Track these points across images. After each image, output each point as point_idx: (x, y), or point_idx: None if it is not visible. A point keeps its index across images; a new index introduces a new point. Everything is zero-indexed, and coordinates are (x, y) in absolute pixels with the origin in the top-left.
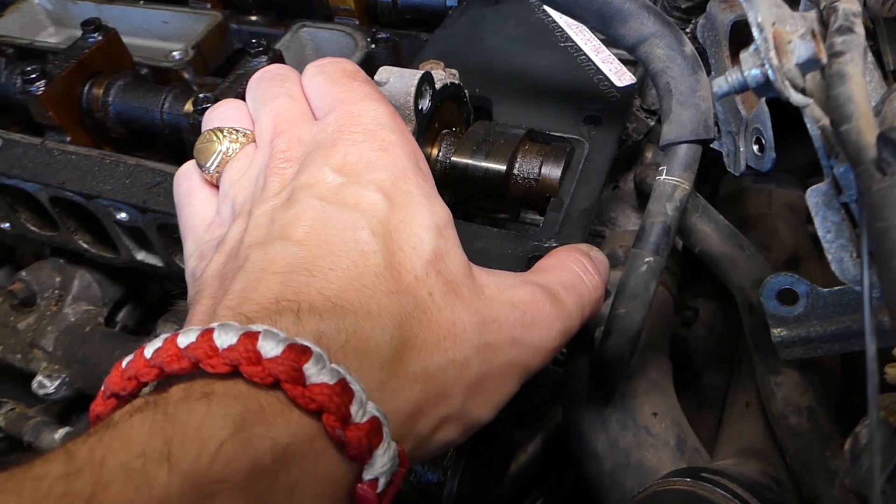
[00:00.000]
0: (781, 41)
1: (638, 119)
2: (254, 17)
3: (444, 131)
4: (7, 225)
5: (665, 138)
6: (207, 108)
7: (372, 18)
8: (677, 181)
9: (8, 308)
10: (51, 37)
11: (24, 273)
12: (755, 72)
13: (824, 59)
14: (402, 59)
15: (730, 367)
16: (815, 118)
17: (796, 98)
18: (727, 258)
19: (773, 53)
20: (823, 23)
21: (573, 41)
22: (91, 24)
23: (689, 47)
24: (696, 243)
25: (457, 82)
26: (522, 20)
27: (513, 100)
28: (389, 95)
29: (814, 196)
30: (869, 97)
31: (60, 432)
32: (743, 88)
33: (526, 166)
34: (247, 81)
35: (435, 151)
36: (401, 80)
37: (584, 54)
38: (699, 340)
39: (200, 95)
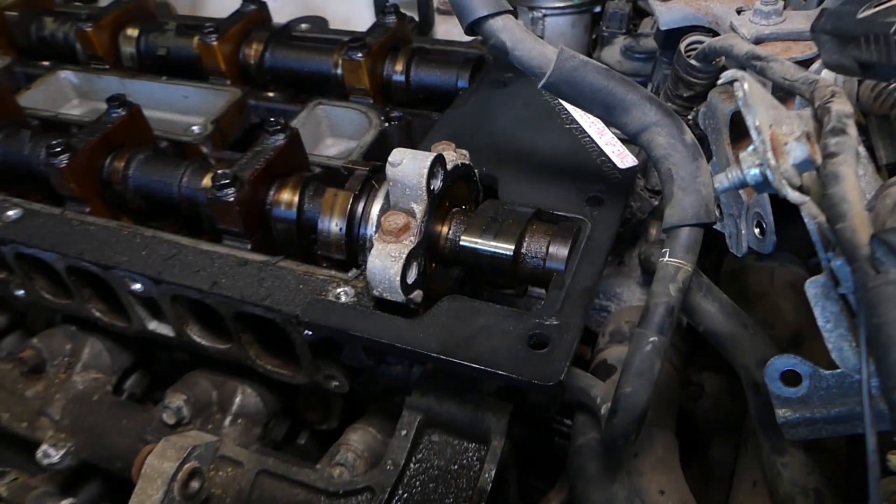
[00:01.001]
0: (778, 143)
1: (642, 198)
2: (271, 94)
3: (454, 210)
4: (22, 292)
5: (667, 222)
6: (226, 183)
7: (385, 97)
8: (680, 263)
9: (17, 375)
10: (75, 108)
11: (35, 340)
12: (754, 171)
13: (819, 160)
14: (413, 137)
15: (736, 439)
16: (811, 215)
17: (793, 196)
18: (731, 337)
19: (770, 154)
20: (818, 120)
21: (578, 123)
22: (116, 100)
23: (689, 136)
24: (700, 322)
25: (467, 163)
26: (530, 102)
27: (519, 179)
28: (403, 176)
29: (813, 288)
30: (863, 196)
31: (64, 503)
32: (742, 185)
33: (534, 246)
34: (264, 158)
35: (445, 230)
36: (414, 161)
37: (588, 136)
38: (705, 414)
39: (219, 172)
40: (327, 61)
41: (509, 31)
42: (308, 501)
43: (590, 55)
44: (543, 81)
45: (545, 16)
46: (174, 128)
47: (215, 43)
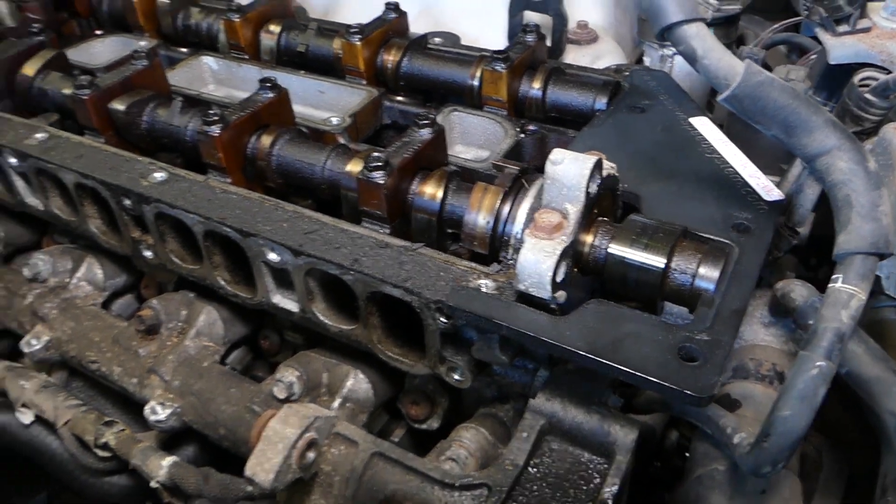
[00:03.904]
0: None
1: (781, 235)
2: (400, 98)
3: (600, 219)
4: (150, 254)
5: (842, 248)
6: (378, 166)
7: (518, 111)
8: (854, 290)
9: (133, 333)
10: (212, 91)
11: (154, 301)
12: None
13: None
14: (546, 151)
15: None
16: None
17: None
18: (879, 381)
19: None
20: None
21: (719, 154)
22: (268, 82)
23: (872, 163)
24: (844, 363)
25: (615, 175)
26: (668, 129)
27: (660, 199)
28: (563, 175)
29: None
30: None
31: (168, 460)
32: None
33: (683, 263)
34: (412, 149)
35: (590, 238)
36: (575, 162)
37: (731, 167)
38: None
39: (373, 155)
40: (464, 72)
41: (702, 38)
42: (421, 489)
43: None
44: (728, 93)
45: (675, 54)
46: (305, 119)
47: (358, 44)
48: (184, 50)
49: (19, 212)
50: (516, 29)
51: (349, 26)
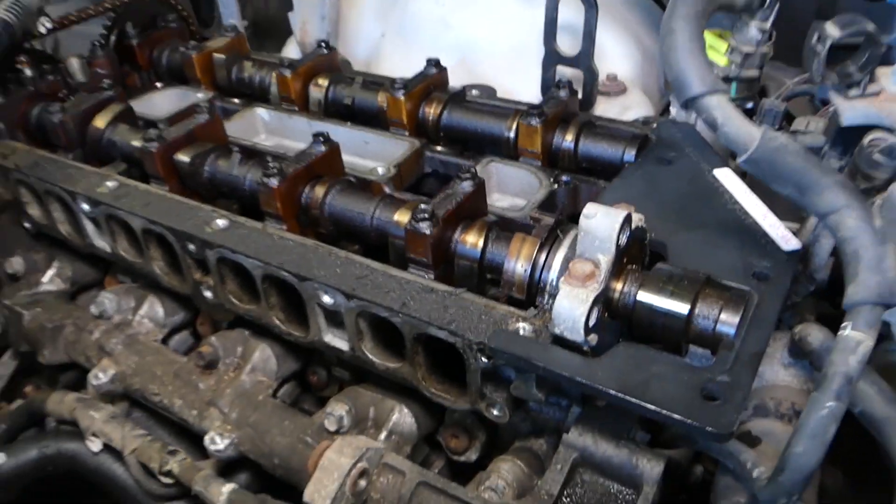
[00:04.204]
0: None
1: (799, 282)
2: (439, 148)
3: (629, 267)
4: (210, 294)
5: (851, 299)
6: (424, 217)
7: (552, 162)
8: (861, 337)
9: (193, 367)
10: (263, 140)
11: (213, 338)
12: None
13: None
14: (579, 202)
15: None
16: None
17: None
18: (890, 421)
19: None
20: None
21: (741, 204)
22: (321, 136)
23: (878, 220)
24: (857, 403)
25: (643, 226)
26: (694, 181)
27: (686, 248)
28: (595, 228)
29: None
30: None
31: (228, 487)
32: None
33: (706, 309)
34: (455, 200)
35: (620, 285)
36: (607, 216)
37: (751, 218)
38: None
39: (420, 206)
40: (501, 124)
41: (722, 108)
42: None
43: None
44: (745, 157)
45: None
46: (355, 169)
47: (402, 98)
48: (236, 101)
49: (86, 253)
50: (549, 82)
51: (393, 81)
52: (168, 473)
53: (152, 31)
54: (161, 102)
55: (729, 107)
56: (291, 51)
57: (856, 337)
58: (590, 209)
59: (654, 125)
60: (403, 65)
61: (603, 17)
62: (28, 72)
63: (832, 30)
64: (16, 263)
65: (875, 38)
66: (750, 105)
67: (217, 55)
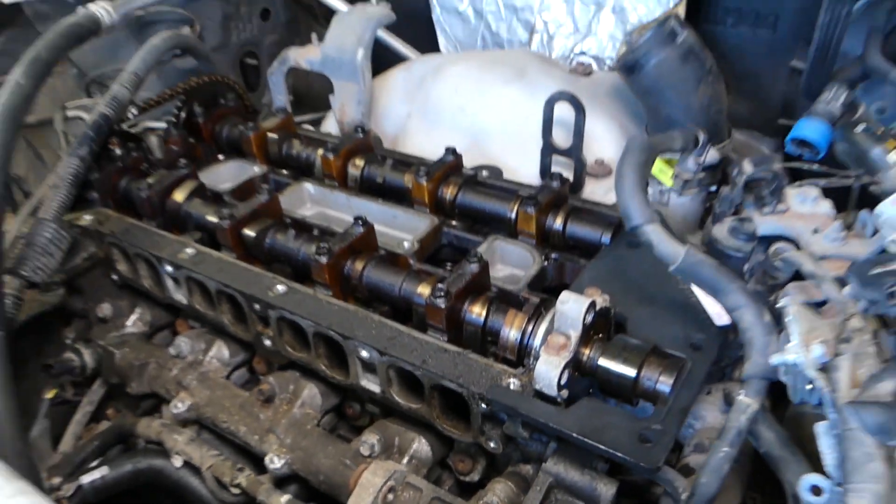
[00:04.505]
0: (809, 343)
1: (731, 348)
2: (454, 223)
3: (595, 337)
4: (269, 343)
5: (747, 373)
6: (440, 295)
7: (544, 240)
8: (751, 402)
9: (254, 400)
10: (308, 210)
11: (271, 378)
12: (791, 358)
13: (831, 356)
14: (564, 274)
15: None
16: (822, 386)
17: (812, 375)
18: (782, 459)
19: (802, 351)
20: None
21: (689, 286)
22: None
23: (767, 317)
24: (761, 445)
25: (608, 306)
26: (655, 263)
27: (641, 321)
28: (568, 311)
29: (821, 428)
30: (851, 379)
31: (285, 497)
32: (786, 364)
33: (649, 373)
34: (465, 279)
35: (588, 352)
36: (577, 303)
37: (696, 297)
38: None
39: (437, 286)
40: (504, 207)
41: (655, 234)
42: None
43: (702, 224)
44: (673, 268)
45: (671, 191)
46: (384, 238)
47: (424, 183)
48: (285, 172)
49: (164, 302)
50: (546, 168)
51: (418, 167)
52: (238, 486)
53: (214, 109)
54: (223, 173)
55: (659, 233)
56: (331, 125)
57: (746, 401)
58: (564, 296)
59: None
60: (426, 141)
61: (593, 109)
62: (118, 150)
63: (748, 167)
64: (105, 309)
65: (779, 175)
66: (714, 188)
67: (270, 135)
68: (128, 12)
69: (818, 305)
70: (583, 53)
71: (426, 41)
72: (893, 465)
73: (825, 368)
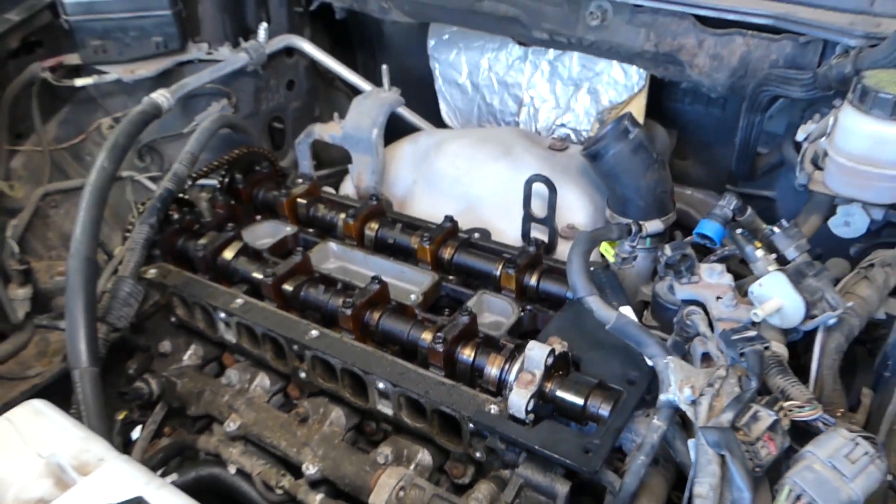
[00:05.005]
0: (682, 388)
1: None
2: (452, 278)
3: (556, 373)
4: (303, 374)
5: (658, 403)
6: (440, 341)
7: (522, 294)
8: (661, 424)
9: (292, 420)
10: (332, 264)
11: (305, 402)
12: (671, 398)
13: (696, 396)
14: (537, 322)
15: None
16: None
17: (686, 409)
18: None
19: (677, 393)
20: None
21: None
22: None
23: (675, 362)
24: (676, 455)
25: (566, 350)
26: None
27: (593, 361)
28: (534, 355)
29: (692, 442)
30: (708, 411)
31: (319, 496)
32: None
33: (593, 402)
34: (458, 329)
35: (549, 385)
36: (540, 350)
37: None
38: None
39: (437, 335)
40: (491, 266)
41: (594, 303)
42: None
43: (653, 277)
44: (608, 327)
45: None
46: (395, 290)
47: (427, 247)
48: (311, 230)
49: (215, 341)
50: (527, 232)
51: (422, 233)
52: (281, 488)
53: (252, 175)
54: (261, 232)
55: (598, 301)
56: (348, 188)
57: (657, 424)
58: (531, 345)
59: (592, 269)
60: (429, 205)
61: (566, 181)
62: (175, 215)
63: (668, 250)
64: (165, 346)
65: (690, 255)
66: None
67: (300, 200)
68: (182, 95)
69: (706, 355)
70: (563, 126)
71: (431, 107)
72: (723, 466)
73: (694, 403)
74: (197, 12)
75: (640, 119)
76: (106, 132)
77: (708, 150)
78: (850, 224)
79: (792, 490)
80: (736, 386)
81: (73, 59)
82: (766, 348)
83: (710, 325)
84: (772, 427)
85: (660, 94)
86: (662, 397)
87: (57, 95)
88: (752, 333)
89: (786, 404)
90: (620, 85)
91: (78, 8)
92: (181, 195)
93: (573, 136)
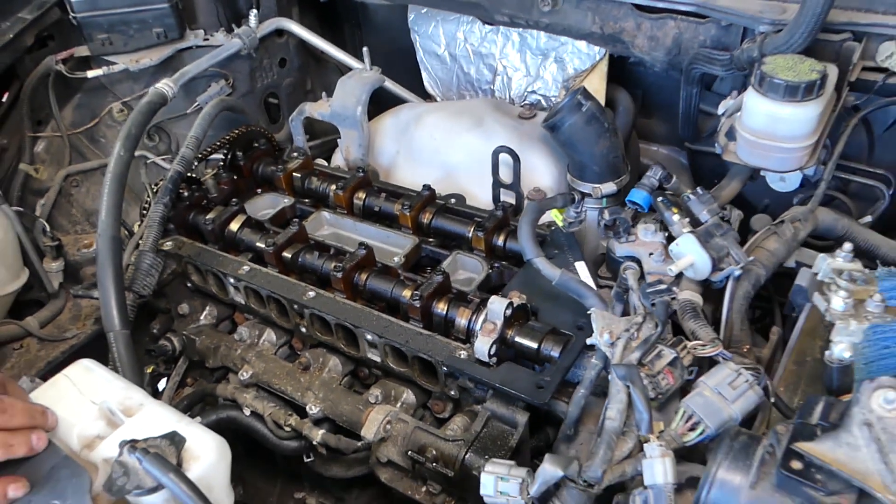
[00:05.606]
0: (603, 333)
1: None
2: (431, 240)
3: (516, 322)
4: (304, 329)
5: (592, 342)
6: (417, 297)
7: (491, 252)
8: (597, 363)
9: (296, 369)
10: (325, 231)
11: (307, 353)
12: (593, 341)
13: (613, 340)
14: (504, 278)
15: None
16: (608, 355)
17: (604, 349)
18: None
19: (601, 337)
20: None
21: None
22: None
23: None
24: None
25: (524, 302)
26: (565, 269)
27: (549, 311)
28: (496, 308)
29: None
30: (622, 352)
31: (320, 431)
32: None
33: (546, 345)
34: (432, 286)
35: (510, 332)
36: (501, 303)
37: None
38: None
39: (414, 292)
40: (464, 229)
41: (540, 263)
42: (435, 441)
43: None
44: (553, 283)
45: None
46: (380, 253)
47: (408, 213)
48: (307, 201)
49: (227, 302)
50: (497, 197)
51: (403, 200)
52: (289, 426)
53: (251, 152)
54: (262, 204)
55: (545, 262)
56: (339, 159)
57: (594, 363)
58: (492, 299)
59: (553, 229)
60: (411, 173)
61: (532, 147)
62: (185, 192)
63: (606, 215)
64: (184, 308)
65: (626, 219)
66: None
67: (295, 174)
68: (184, 82)
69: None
70: (534, 92)
71: (415, 78)
72: (628, 395)
73: (612, 346)
74: (192, 2)
75: (603, 84)
76: (117, 115)
77: (669, 109)
78: (785, 180)
79: (685, 412)
80: (652, 331)
81: (82, 50)
82: (674, 299)
83: (644, 278)
84: (672, 363)
85: (623, 59)
86: (589, 340)
87: (70, 84)
88: (663, 287)
89: (690, 344)
90: (584, 54)
91: (83, 6)
92: (189, 174)
93: (543, 102)
